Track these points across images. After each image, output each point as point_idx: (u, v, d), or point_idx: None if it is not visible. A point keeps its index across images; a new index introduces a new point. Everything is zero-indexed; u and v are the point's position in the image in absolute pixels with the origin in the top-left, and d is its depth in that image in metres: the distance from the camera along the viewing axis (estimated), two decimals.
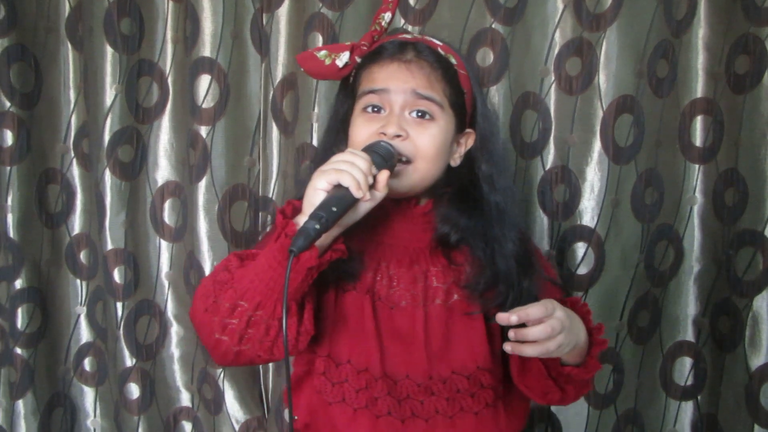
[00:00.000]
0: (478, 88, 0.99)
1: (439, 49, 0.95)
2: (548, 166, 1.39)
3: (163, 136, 1.56)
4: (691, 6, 1.35)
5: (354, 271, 0.94)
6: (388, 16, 0.96)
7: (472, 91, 0.98)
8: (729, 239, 1.36)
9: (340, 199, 0.81)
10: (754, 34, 1.30)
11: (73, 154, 1.60)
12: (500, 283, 0.94)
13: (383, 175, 0.85)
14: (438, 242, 0.96)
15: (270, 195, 1.50)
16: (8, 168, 1.56)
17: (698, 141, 1.38)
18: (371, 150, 0.88)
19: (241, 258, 0.88)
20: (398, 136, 0.91)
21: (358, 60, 0.96)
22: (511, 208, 0.98)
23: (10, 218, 1.57)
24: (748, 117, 1.31)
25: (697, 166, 1.40)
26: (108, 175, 1.54)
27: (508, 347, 0.86)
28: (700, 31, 1.35)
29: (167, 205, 1.57)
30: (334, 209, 0.80)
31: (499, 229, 0.96)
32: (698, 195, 1.40)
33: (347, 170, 0.82)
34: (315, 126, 1.45)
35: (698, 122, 1.38)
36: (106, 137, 1.53)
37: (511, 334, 0.85)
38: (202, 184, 1.51)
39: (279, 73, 1.46)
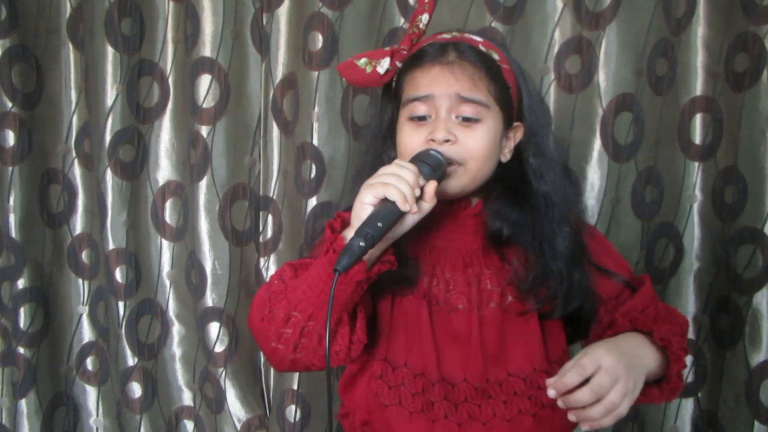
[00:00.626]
0: (523, 80, 0.97)
1: (480, 47, 0.94)
2: None
3: (164, 135, 1.56)
4: (690, 4, 1.35)
5: (411, 276, 0.94)
6: (425, 17, 0.95)
7: (518, 85, 0.96)
8: (729, 237, 1.36)
9: (387, 213, 0.81)
10: (753, 32, 1.30)
11: (74, 154, 1.61)
12: (549, 278, 0.93)
13: (431, 186, 0.85)
14: (490, 239, 0.95)
15: (271, 194, 1.51)
16: (10, 168, 1.57)
17: (698, 139, 1.39)
18: (419, 160, 0.87)
19: (295, 268, 0.89)
20: (447, 140, 0.90)
21: (399, 65, 0.95)
22: (560, 201, 0.96)
23: (12, 218, 1.58)
24: (747, 115, 1.32)
25: (696, 163, 1.40)
26: (109, 175, 1.54)
27: (572, 417, 0.83)
28: (699, 30, 1.35)
29: (168, 204, 1.57)
30: (380, 225, 0.80)
31: (547, 222, 0.94)
32: (698, 193, 1.41)
33: (394, 183, 0.81)
34: (315, 125, 1.45)
35: (697, 120, 1.38)
36: (108, 137, 1.53)
37: (560, 403, 0.83)
38: (203, 184, 1.51)
39: (279, 72, 1.46)
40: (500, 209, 0.95)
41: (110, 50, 1.51)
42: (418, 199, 0.84)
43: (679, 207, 1.42)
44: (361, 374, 0.98)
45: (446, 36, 0.96)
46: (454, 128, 0.91)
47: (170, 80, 1.54)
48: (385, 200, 0.82)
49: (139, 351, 1.59)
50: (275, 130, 1.49)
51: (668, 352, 0.93)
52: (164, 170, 1.57)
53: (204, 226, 1.52)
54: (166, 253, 1.59)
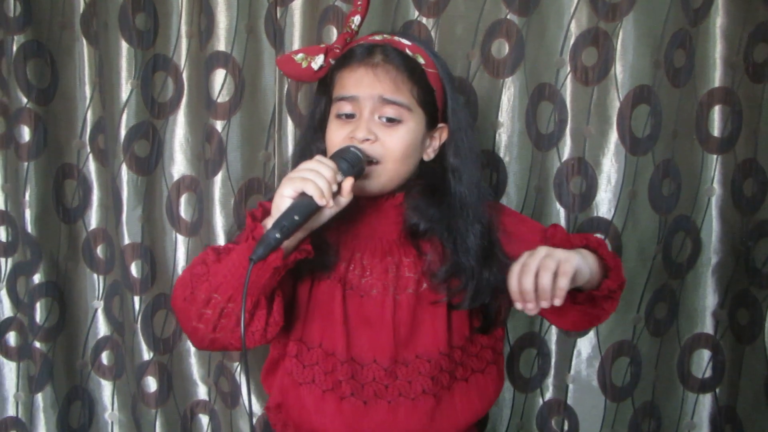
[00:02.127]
0: (449, 84, 1.03)
1: (407, 50, 0.99)
2: (564, 157, 1.38)
3: (179, 130, 1.56)
4: None
5: (329, 263, 1.00)
6: (357, 19, 1.01)
7: (443, 88, 1.01)
8: (748, 230, 1.35)
9: (304, 207, 0.87)
10: None
11: (89, 150, 1.61)
12: (461, 273, 0.99)
13: (348, 183, 0.91)
14: (407, 232, 1.01)
15: None
16: (26, 163, 1.57)
17: (716, 131, 1.37)
18: (339, 156, 0.93)
19: (218, 252, 0.94)
20: (367, 140, 0.96)
21: (332, 62, 1.01)
22: (475, 201, 1.02)
23: (27, 213, 1.59)
24: (767, 106, 1.30)
25: (715, 156, 1.39)
26: (124, 170, 1.55)
27: (536, 306, 0.86)
28: (718, 20, 1.34)
29: (183, 199, 1.57)
30: (296, 218, 0.86)
31: (461, 222, 1.00)
32: (716, 186, 1.39)
33: (312, 179, 0.87)
34: None
35: (716, 112, 1.36)
36: (122, 132, 1.53)
37: (520, 306, 0.88)
38: (218, 179, 1.51)
39: None
40: (419, 204, 1.01)
41: (124, 45, 1.51)
42: (336, 194, 0.90)
43: (697, 200, 1.40)
44: (281, 360, 1.04)
45: (377, 38, 1.01)
46: (376, 128, 0.96)
47: (184, 75, 1.54)
48: (303, 194, 0.87)
49: (155, 345, 1.60)
50: (290, 125, 1.49)
51: (589, 245, 0.97)
52: (179, 165, 1.57)
53: (219, 220, 1.52)
54: (181, 247, 1.59)
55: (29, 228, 1.59)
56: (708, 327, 1.42)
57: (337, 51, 1.00)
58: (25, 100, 1.56)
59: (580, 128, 1.37)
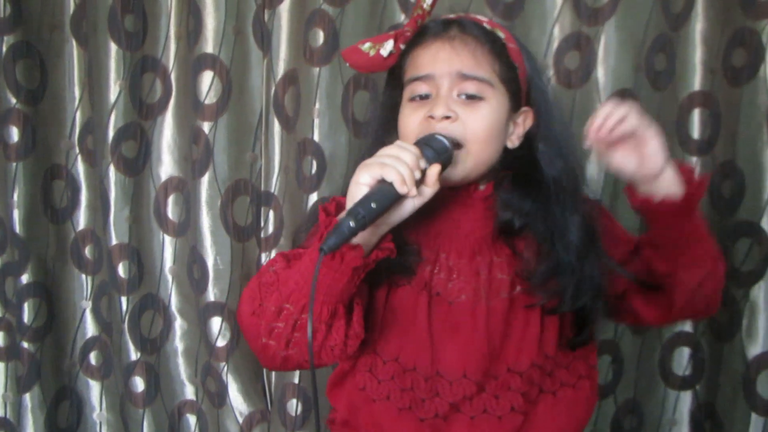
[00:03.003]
0: (532, 62, 0.92)
1: (485, 24, 0.90)
2: None
3: (167, 131, 1.57)
4: (688, 0, 1.36)
5: (410, 264, 0.88)
6: None
7: (526, 66, 0.91)
8: (727, 231, 1.37)
9: (383, 194, 0.76)
10: (750, 27, 1.31)
11: (77, 150, 1.62)
12: (561, 272, 0.88)
13: (434, 170, 0.79)
14: (500, 230, 0.90)
15: (272, 190, 1.52)
16: (14, 164, 1.58)
17: (696, 133, 1.39)
18: (424, 143, 0.82)
19: (288, 258, 0.84)
20: (447, 117, 0.85)
21: (403, 47, 0.90)
22: (573, 189, 0.91)
23: (16, 214, 1.59)
24: (745, 109, 1.33)
25: (694, 158, 1.41)
26: (112, 171, 1.55)
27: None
28: (698, 25, 1.36)
29: (170, 200, 1.58)
30: (374, 205, 0.74)
31: (560, 213, 0.89)
32: None
33: (392, 164, 0.76)
34: (316, 121, 1.46)
35: (696, 115, 1.39)
36: (111, 133, 1.54)
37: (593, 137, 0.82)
38: (205, 180, 1.52)
39: (280, 68, 1.47)
40: (511, 199, 0.90)
41: (113, 47, 1.52)
42: (419, 182, 0.78)
43: None
44: (350, 372, 0.94)
45: (451, 16, 0.93)
46: (455, 105, 0.86)
47: (172, 76, 1.55)
48: (382, 181, 0.76)
49: (142, 346, 1.60)
50: (276, 126, 1.50)
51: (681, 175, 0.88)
52: (166, 166, 1.57)
53: (206, 221, 1.53)
54: (168, 248, 1.60)
55: (17, 228, 1.59)
56: (688, 325, 1.44)
57: (408, 34, 0.89)
58: (14, 100, 1.56)
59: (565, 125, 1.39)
